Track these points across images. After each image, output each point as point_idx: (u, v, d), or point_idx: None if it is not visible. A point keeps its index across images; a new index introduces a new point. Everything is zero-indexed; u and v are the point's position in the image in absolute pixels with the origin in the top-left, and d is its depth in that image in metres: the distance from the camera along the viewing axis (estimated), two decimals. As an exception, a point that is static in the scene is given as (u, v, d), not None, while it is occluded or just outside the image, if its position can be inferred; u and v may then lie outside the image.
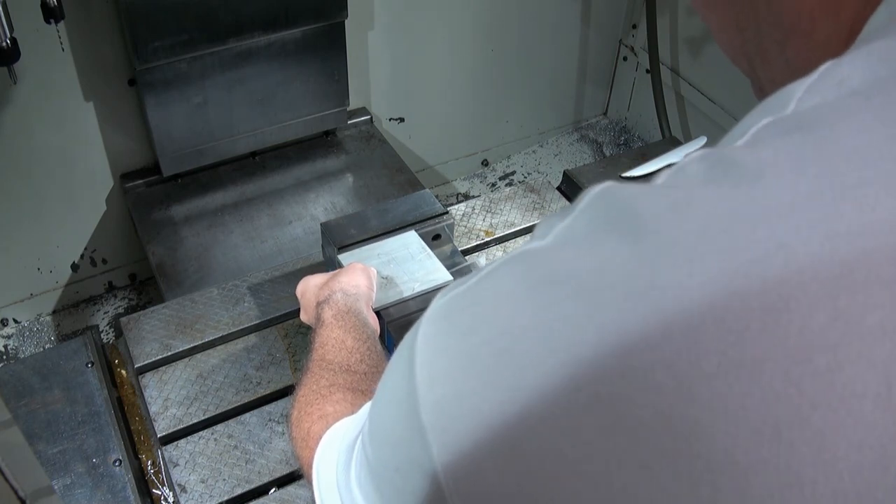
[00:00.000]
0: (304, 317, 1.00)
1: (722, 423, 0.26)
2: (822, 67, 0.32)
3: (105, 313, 1.99)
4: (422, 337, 0.35)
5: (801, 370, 0.26)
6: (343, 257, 1.11)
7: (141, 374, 1.11)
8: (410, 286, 1.06)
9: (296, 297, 1.21)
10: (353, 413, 0.59)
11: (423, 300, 1.04)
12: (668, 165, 1.66)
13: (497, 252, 1.33)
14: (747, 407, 0.26)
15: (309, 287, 0.97)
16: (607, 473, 0.28)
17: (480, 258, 1.27)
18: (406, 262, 1.10)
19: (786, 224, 0.27)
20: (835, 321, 0.26)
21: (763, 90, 0.45)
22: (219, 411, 1.06)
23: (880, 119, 0.29)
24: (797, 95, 0.32)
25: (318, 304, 0.91)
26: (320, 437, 0.60)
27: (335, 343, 0.81)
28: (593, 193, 0.33)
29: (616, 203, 0.32)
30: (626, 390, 0.28)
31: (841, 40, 0.37)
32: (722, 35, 0.45)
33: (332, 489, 0.52)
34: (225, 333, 1.16)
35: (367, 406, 0.55)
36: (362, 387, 0.72)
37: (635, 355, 0.28)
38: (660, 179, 0.32)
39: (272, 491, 0.98)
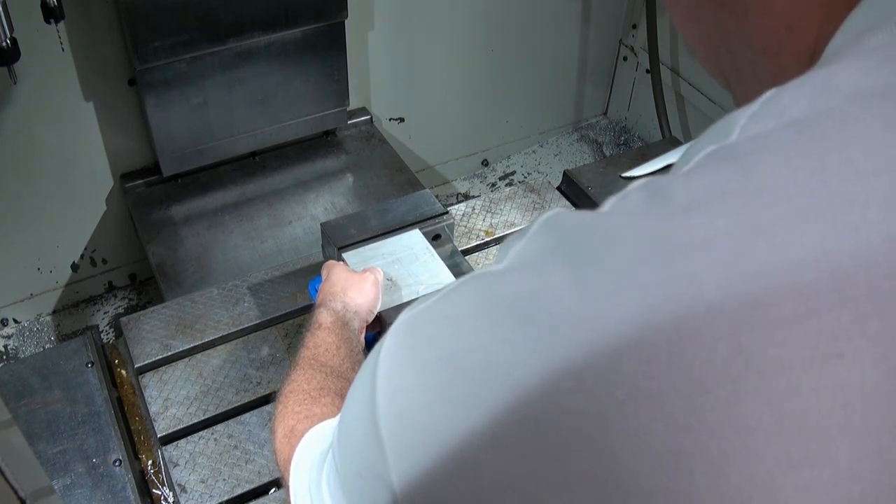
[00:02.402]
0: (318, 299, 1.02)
1: (630, 450, 0.27)
2: (766, 95, 0.33)
3: (105, 313, 1.99)
4: (385, 349, 0.36)
5: (701, 401, 0.27)
6: (347, 256, 1.11)
7: (141, 374, 1.11)
8: (415, 289, 1.06)
9: (295, 298, 1.21)
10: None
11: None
12: (668, 166, 1.67)
13: (497, 252, 1.33)
14: (652, 434, 0.27)
15: (332, 274, 0.99)
16: (537, 494, 0.29)
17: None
18: (410, 263, 1.10)
19: (701, 259, 0.28)
20: (736, 356, 0.27)
21: (740, 104, 0.46)
22: (219, 411, 1.06)
23: (806, 152, 0.30)
24: (741, 123, 0.33)
25: (319, 306, 0.92)
26: (303, 436, 0.62)
27: (329, 347, 0.82)
28: (543, 219, 0.35)
29: (562, 230, 0.33)
30: (553, 415, 0.29)
31: (803, 58, 0.38)
32: (700, 51, 0.46)
33: (304, 487, 0.53)
34: (225, 333, 1.16)
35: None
36: None
37: (562, 382, 0.29)
38: (605, 206, 0.34)
39: (272, 491, 0.98)
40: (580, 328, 0.29)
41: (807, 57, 0.38)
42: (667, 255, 0.29)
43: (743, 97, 0.44)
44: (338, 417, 0.57)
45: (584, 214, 0.33)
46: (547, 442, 0.29)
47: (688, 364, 0.27)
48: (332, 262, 1.04)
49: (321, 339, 0.84)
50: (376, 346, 0.38)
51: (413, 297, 1.05)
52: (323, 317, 0.89)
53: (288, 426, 0.67)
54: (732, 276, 0.28)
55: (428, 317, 0.35)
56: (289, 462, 0.61)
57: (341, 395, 0.72)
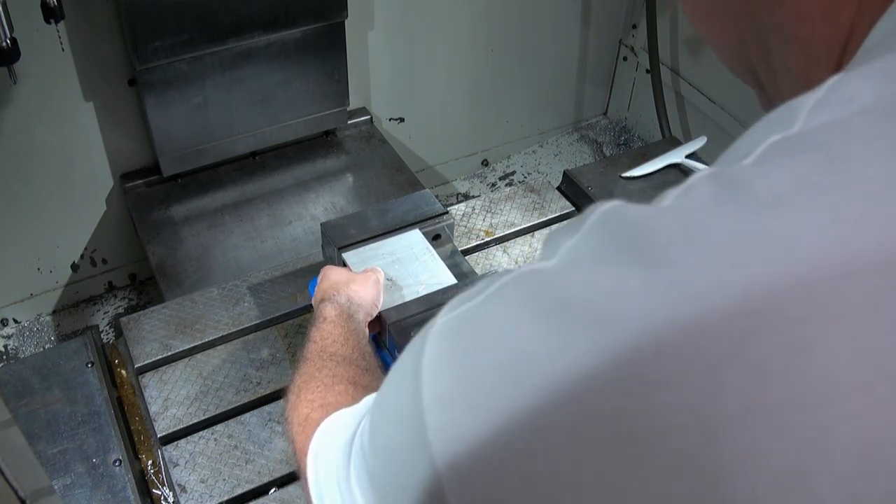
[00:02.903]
0: (313, 302, 1.01)
1: (745, 468, 0.26)
2: (830, 82, 0.32)
3: (105, 313, 1.99)
4: (428, 356, 0.34)
5: (825, 414, 0.25)
6: (347, 256, 1.11)
7: (141, 374, 1.11)
8: (415, 289, 1.06)
9: (295, 298, 1.21)
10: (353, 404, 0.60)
11: (425, 302, 1.04)
12: (668, 166, 1.66)
13: (497, 252, 1.33)
14: (771, 451, 0.26)
15: (326, 276, 0.99)
16: None
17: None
18: (410, 263, 1.10)
19: (806, 257, 0.27)
20: (862, 363, 0.25)
21: (771, 102, 0.45)
22: (219, 411, 1.06)
23: (893, 145, 0.29)
24: (805, 111, 0.32)
25: (322, 301, 0.91)
26: (318, 425, 0.60)
27: (337, 338, 0.82)
28: (600, 213, 0.33)
29: (625, 226, 0.31)
30: (646, 429, 0.27)
31: (836, 48, 0.37)
32: (725, 52, 0.45)
33: (332, 485, 0.52)
34: (225, 333, 1.16)
35: (365, 402, 0.55)
36: (363, 381, 0.72)
37: (654, 393, 0.27)
38: (666, 200, 0.32)
39: (272, 491, 0.98)
40: (671, 334, 0.27)
41: (839, 46, 0.37)
42: (762, 253, 0.27)
43: (776, 94, 0.43)
44: (354, 408, 0.56)
45: (647, 209, 0.31)
46: (639, 459, 0.27)
47: (805, 374, 0.26)
48: (329, 265, 1.04)
49: (328, 332, 0.83)
50: (411, 351, 0.36)
51: (413, 297, 1.05)
52: (327, 310, 0.88)
53: (302, 415, 0.66)
54: (843, 274, 0.26)
55: (473, 321, 0.34)
56: (305, 452, 0.60)
57: (354, 383, 0.71)
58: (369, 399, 0.54)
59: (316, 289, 1.00)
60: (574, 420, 0.28)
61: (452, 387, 0.33)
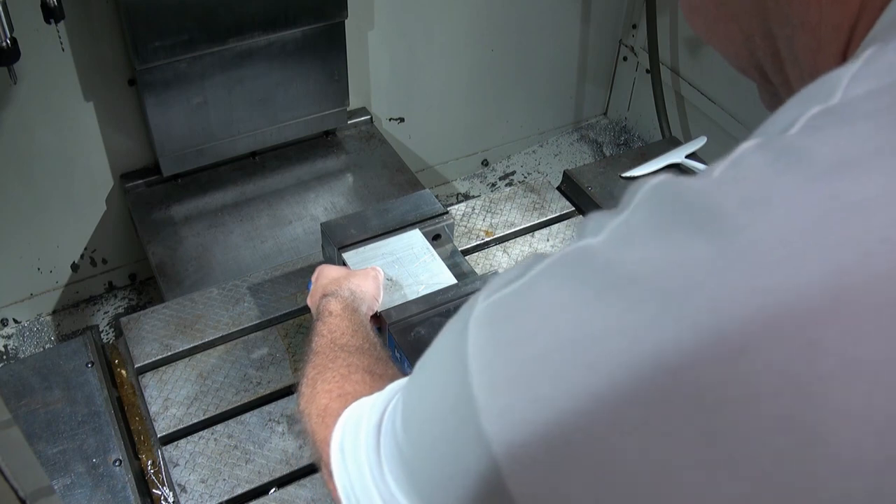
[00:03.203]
0: (308, 301, 1.00)
1: (846, 425, 0.26)
2: (865, 55, 0.32)
3: (105, 313, 1.99)
4: (474, 341, 0.34)
5: None
6: (347, 256, 1.11)
7: (141, 374, 1.11)
8: (415, 289, 1.06)
9: (295, 298, 1.21)
10: (372, 393, 0.59)
11: (425, 302, 1.04)
12: (669, 166, 1.66)
13: (497, 252, 1.33)
14: (872, 407, 0.26)
15: (323, 275, 0.98)
16: (713, 479, 0.28)
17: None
18: (410, 263, 1.10)
19: (881, 218, 0.27)
20: None
21: (776, 96, 0.45)
22: (219, 411, 1.06)
23: None
24: (843, 83, 0.32)
25: (325, 296, 0.91)
26: (339, 415, 0.59)
27: (345, 331, 0.81)
28: (650, 187, 0.33)
29: (680, 197, 0.31)
30: (733, 396, 0.27)
31: (843, 32, 0.37)
32: (729, 49, 0.45)
33: (364, 480, 0.50)
34: (225, 333, 1.16)
35: (390, 389, 0.54)
36: (379, 370, 0.71)
37: (743, 360, 0.27)
38: (715, 172, 0.31)
39: (272, 491, 0.98)
40: (753, 299, 0.27)
41: (847, 30, 0.37)
42: (838, 216, 0.27)
43: (783, 86, 0.43)
44: (375, 398, 0.54)
45: (699, 181, 0.31)
46: (726, 426, 0.27)
47: None
48: (323, 265, 1.03)
49: (335, 325, 0.82)
50: (448, 339, 0.36)
51: (413, 297, 1.05)
52: (332, 305, 0.87)
53: (321, 405, 0.65)
54: None
55: (522, 303, 0.33)
56: (326, 442, 0.59)
57: (370, 372, 0.70)
58: (394, 386, 0.53)
59: (313, 286, 0.99)
60: (657, 396, 0.28)
61: (508, 371, 0.32)
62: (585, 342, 0.30)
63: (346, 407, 0.59)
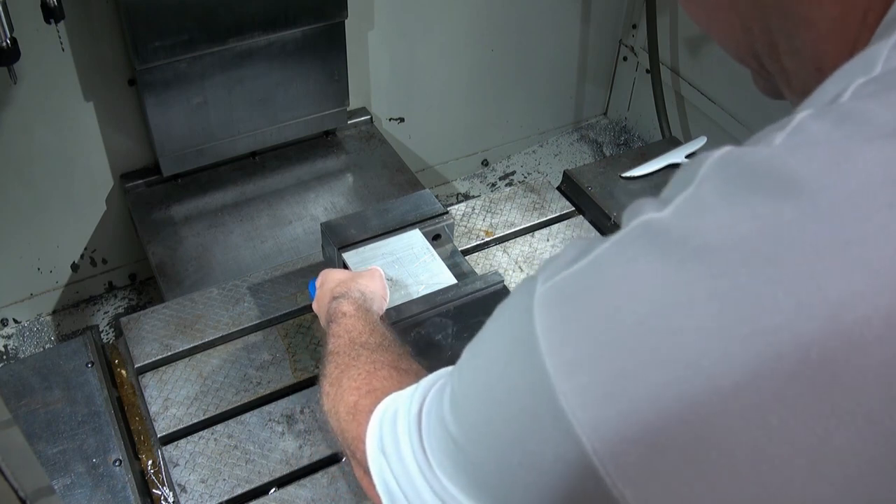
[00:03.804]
0: (315, 306, 1.00)
1: None
2: None
3: (105, 313, 1.99)
4: (543, 322, 0.34)
5: None
6: (347, 256, 1.11)
7: (141, 374, 1.11)
8: (415, 289, 1.06)
9: (295, 298, 1.21)
10: (401, 387, 0.58)
11: (425, 302, 1.04)
12: (669, 166, 1.65)
13: (497, 252, 1.33)
14: None
15: (328, 279, 0.98)
16: (826, 434, 0.28)
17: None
18: (410, 263, 1.10)
19: None
20: None
21: (770, 82, 0.46)
22: (219, 411, 1.06)
23: None
24: (882, 56, 0.33)
25: (335, 299, 0.90)
26: (370, 411, 0.58)
27: (362, 330, 0.80)
28: (714, 160, 0.33)
29: (753, 166, 0.31)
30: (845, 353, 0.28)
31: (851, 23, 0.38)
32: (726, 38, 0.45)
33: (412, 477, 0.48)
34: (225, 333, 1.16)
35: (423, 384, 0.52)
36: (403, 366, 0.70)
37: (844, 311, 0.28)
38: (776, 140, 0.32)
39: (272, 491, 0.98)
40: (854, 255, 0.28)
41: (856, 21, 0.37)
42: None
43: (780, 73, 0.44)
44: (406, 393, 0.53)
45: (767, 150, 0.31)
46: (834, 382, 0.28)
47: None
48: (327, 269, 1.03)
49: (351, 326, 0.81)
50: (504, 322, 0.35)
51: (413, 297, 1.05)
52: (344, 306, 0.86)
53: (349, 403, 0.64)
54: None
55: (591, 281, 0.33)
56: (359, 440, 0.58)
57: (396, 368, 0.69)
58: (429, 379, 0.52)
59: (318, 290, 0.99)
60: (758, 356, 0.29)
61: (585, 349, 0.32)
62: (672, 311, 0.30)
63: (376, 403, 0.58)
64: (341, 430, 0.65)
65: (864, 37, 0.37)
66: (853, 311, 0.28)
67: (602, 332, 0.32)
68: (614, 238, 0.34)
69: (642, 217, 0.33)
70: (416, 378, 0.58)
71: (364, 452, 0.56)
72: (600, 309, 0.32)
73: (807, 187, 0.30)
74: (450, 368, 0.48)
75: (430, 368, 0.77)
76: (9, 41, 1.36)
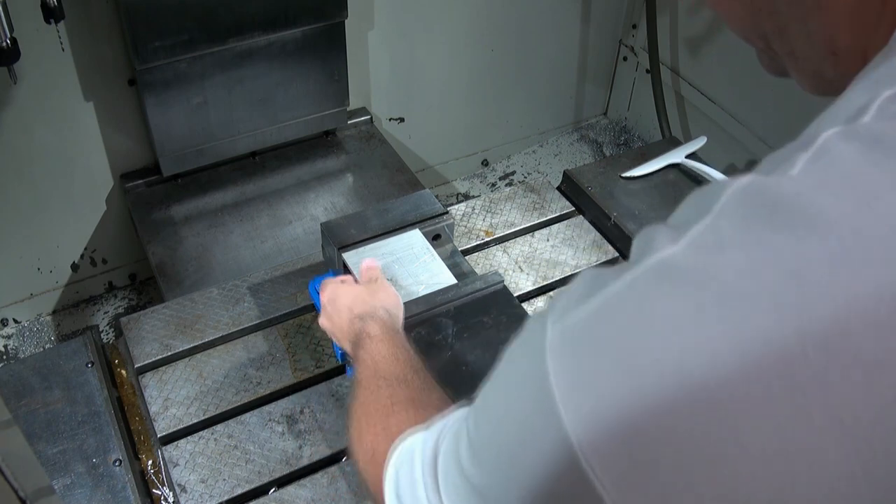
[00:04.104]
0: (327, 324, 0.95)
1: None
2: None
3: (105, 313, 1.99)
4: (557, 374, 0.33)
5: None
6: (347, 256, 1.11)
7: (141, 374, 1.11)
8: (415, 289, 1.06)
9: (295, 298, 1.21)
10: (417, 424, 0.58)
11: (425, 302, 1.04)
12: (669, 166, 1.65)
13: (497, 252, 1.33)
14: None
15: (340, 294, 0.93)
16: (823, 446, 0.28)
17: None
18: (410, 263, 1.10)
19: None
20: None
21: (775, 61, 0.45)
22: (219, 411, 1.06)
23: None
24: None
25: (360, 317, 0.87)
26: (386, 454, 0.59)
27: (388, 356, 0.78)
28: (736, 189, 0.32)
29: (776, 200, 0.30)
30: (877, 414, 0.28)
31: (872, 8, 0.37)
32: (734, 17, 0.45)
33: None
34: (225, 333, 1.16)
35: (437, 426, 0.53)
36: (422, 399, 0.70)
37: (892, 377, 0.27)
38: (797, 165, 0.31)
39: (272, 491, 0.98)
40: (880, 292, 0.27)
41: (874, 9, 0.37)
42: None
43: (787, 55, 0.43)
44: (426, 434, 0.53)
45: (790, 183, 0.30)
46: (842, 399, 0.27)
47: None
48: (329, 282, 0.98)
49: (376, 352, 0.79)
50: (518, 369, 0.35)
51: (413, 297, 1.05)
52: (370, 327, 0.84)
53: (367, 447, 0.65)
54: None
55: (609, 326, 0.32)
56: (379, 488, 0.58)
57: (413, 403, 0.69)
58: (445, 420, 0.52)
59: (329, 306, 0.93)
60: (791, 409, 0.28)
61: (607, 404, 0.31)
62: (693, 364, 0.29)
63: (391, 444, 0.58)
64: (362, 471, 0.66)
65: (885, 21, 0.36)
66: (891, 375, 0.27)
67: (618, 386, 0.31)
68: (627, 277, 0.32)
69: (657, 255, 0.32)
70: (437, 412, 0.58)
71: (384, 495, 0.56)
72: (615, 360, 0.32)
73: (835, 229, 0.28)
74: (463, 410, 0.48)
75: (431, 368, 0.77)
76: (9, 41, 1.36)
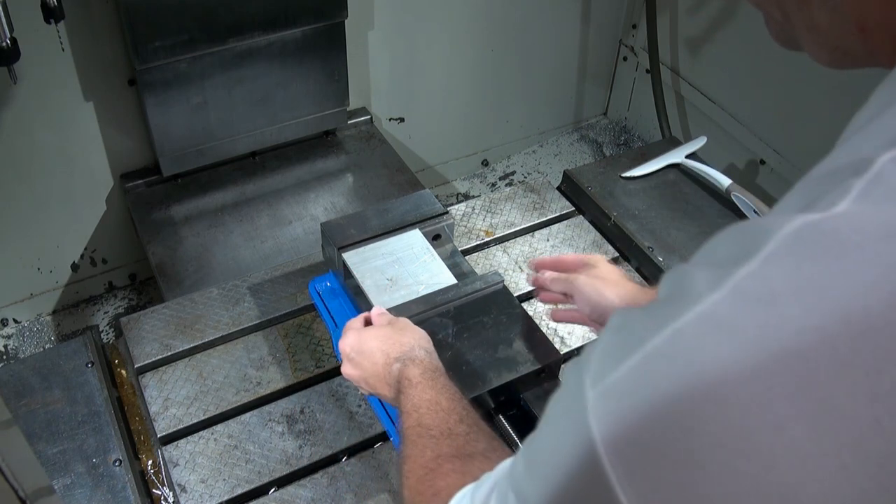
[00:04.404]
0: (353, 373, 0.90)
1: None
2: None
3: (105, 313, 1.99)
4: (609, 448, 0.32)
5: None
6: (347, 256, 1.11)
7: (141, 374, 1.11)
8: (415, 289, 1.06)
9: (295, 298, 1.21)
10: (464, 483, 0.58)
11: (425, 302, 1.04)
12: (668, 166, 1.65)
13: (497, 252, 1.33)
14: None
15: (367, 340, 0.89)
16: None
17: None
18: (410, 262, 1.10)
19: None
20: None
21: (786, 33, 0.43)
22: (219, 411, 1.06)
23: None
24: None
25: (398, 360, 0.84)
26: None
27: (430, 405, 0.76)
28: (787, 235, 0.29)
29: (833, 245, 0.28)
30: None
31: None
32: None
33: None
34: (225, 333, 1.16)
35: (487, 485, 0.52)
36: (468, 450, 0.69)
37: None
38: (854, 189, 0.28)
39: (272, 491, 0.98)
40: None
41: None
42: None
43: (807, 28, 0.41)
44: (475, 492, 0.52)
45: (848, 222, 0.28)
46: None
47: None
48: (350, 328, 0.93)
49: (418, 400, 0.77)
50: (562, 436, 0.34)
51: (413, 297, 1.05)
52: (410, 372, 0.81)
53: None
54: None
55: (651, 391, 0.31)
56: None
57: (459, 456, 0.68)
58: (496, 475, 0.51)
59: (360, 358, 0.88)
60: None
61: (666, 489, 0.30)
62: (756, 435, 0.28)
63: None
64: None
65: None
66: None
67: (677, 473, 0.30)
68: (667, 332, 0.30)
69: (696, 308, 0.30)
70: (483, 460, 0.58)
71: None
72: (665, 429, 0.30)
73: None
74: (503, 469, 0.47)
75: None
76: (9, 41, 1.36)
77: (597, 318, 0.93)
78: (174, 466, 1.00)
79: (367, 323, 0.95)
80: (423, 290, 1.06)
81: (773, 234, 0.29)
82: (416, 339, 0.87)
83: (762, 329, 0.28)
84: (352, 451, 1.03)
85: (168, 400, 1.07)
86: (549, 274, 1.00)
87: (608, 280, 0.93)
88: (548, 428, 0.40)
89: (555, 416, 0.39)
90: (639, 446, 0.31)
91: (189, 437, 1.03)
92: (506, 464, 0.50)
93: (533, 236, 1.36)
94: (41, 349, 1.89)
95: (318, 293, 1.16)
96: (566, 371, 0.38)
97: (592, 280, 0.93)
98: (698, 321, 0.30)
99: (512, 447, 0.98)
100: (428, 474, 0.67)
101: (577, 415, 0.34)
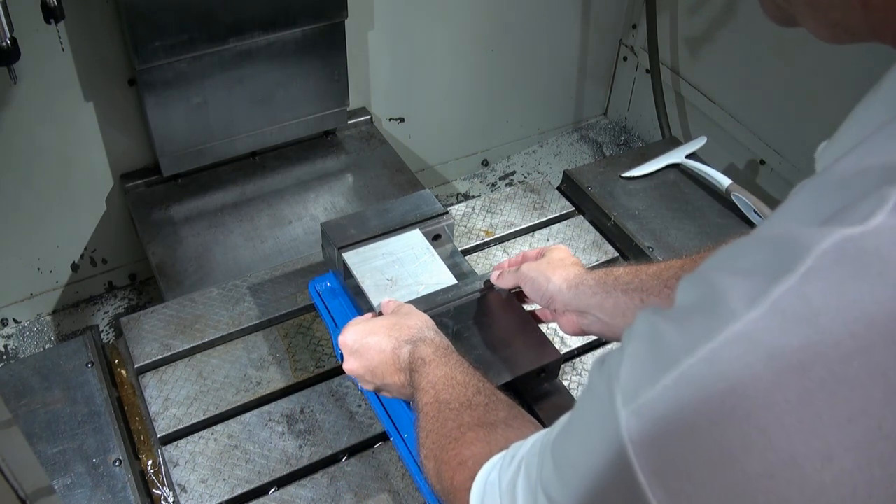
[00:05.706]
0: (355, 366, 0.89)
1: None
2: None
3: (105, 313, 1.99)
4: (644, 467, 0.31)
5: None
6: (347, 256, 1.11)
7: (141, 374, 1.11)
8: (415, 289, 1.06)
9: (295, 298, 1.21)
10: (490, 452, 0.57)
11: (425, 302, 1.04)
12: (668, 166, 1.65)
13: (497, 252, 1.33)
14: None
15: (373, 330, 0.88)
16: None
17: None
18: (410, 263, 1.10)
19: None
20: None
21: (783, 11, 0.42)
22: (219, 411, 1.06)
23: None
24: None
25: (408, 342, 0.84)
26: (465, 487, 0.58)
27: (446, 381, 0.76)
28: (826, 251, 0.28)
29: (875, 261, 0.27)
30: None
31: None
32: None
33: None
34: (225, 333, 1.16)
35: (517, 453, 0.52)
36: (489, 419, 0.69)
37: None
38: (892, 200, 0.27)
39: (272, 491, 0.98)
40: None
41: None
42: None
43: (807, 4, 0.40)
44: (500, 464, 0.53)
45: (891, 235, 0.27)
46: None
47: None
48: (352, 322, 0.92)
49: (434, 376, 0.77)
50: (596, 458, 0.34)
51: (413, 297, 1.05)
52: (422, 351, 0.82)
53: (447, 482, 0.65)
54: None
55: (690, 414, 0.30)
56: None
57: (481, 425, 0.68)
58: (523, 451, 0.51)
59: (365, 349, 0.88)
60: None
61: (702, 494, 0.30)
62: (805, 464, 0.27)
63: (468, 475, 0.58)
64: (445, 502, 0.66)
65: None
66: None
67: (719, 497, 0.29)
68: (704, 351, 0.29)
69: (734, 327, 0.29)
70: (505, 428, 0.58)
71: None
72: (708, 457, 0.29)
73: None
74: (530, 448, 0.48)
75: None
76: (9, 41, 1.36)
77: (546, 304, 0.93)
78: (174, 466, 1.00)
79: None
80: (423, 290, 1.06)
81: (810, 248, 0.28)
82: (422, 322, 0.89)
83: (805, 352, 0.27)
84: (352, 451, 1.03)
85: (168, 400, 1.07)
86: (496, 273, 1.01)
87: (552, 263, 0.93)
88: (579, 437, 0.39)
89: (586, 427, 0.38)
90: (679, 471, 0.30)
91: (189, 437, 1.03)
92: (532, 441, 0.50)
93: (533, 236, 1.36)
94: (41, 349, 1.89)
95: (318, 293, 1.16)
96: (591, 373, 0.37)
97: (537, 265, 0.94)
98: (737, 341, 0.29)
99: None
100: (452, 443, 0.67)
101: (611, 433, 0.33)
